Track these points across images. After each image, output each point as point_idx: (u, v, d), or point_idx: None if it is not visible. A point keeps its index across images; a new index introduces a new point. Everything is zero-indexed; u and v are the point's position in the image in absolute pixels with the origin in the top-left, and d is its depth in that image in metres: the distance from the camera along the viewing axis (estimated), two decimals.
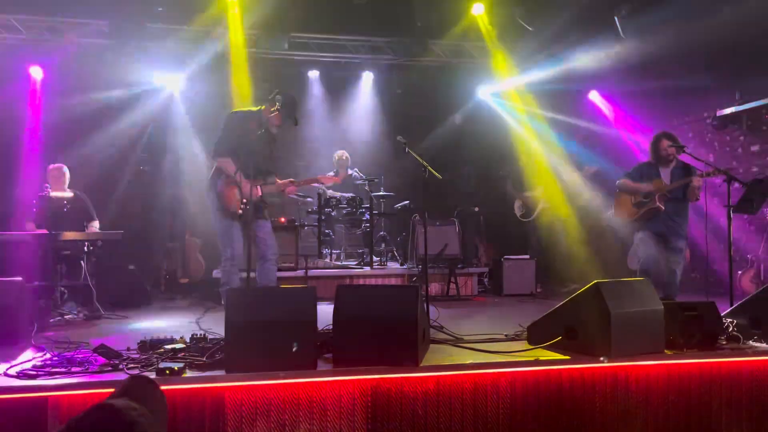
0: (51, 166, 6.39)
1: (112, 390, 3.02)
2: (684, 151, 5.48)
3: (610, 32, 8.51)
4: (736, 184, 5.02)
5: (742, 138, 7.59)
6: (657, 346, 3.73)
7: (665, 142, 5.71)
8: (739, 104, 7.47)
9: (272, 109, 5.14)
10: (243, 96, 8.34)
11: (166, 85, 8.90)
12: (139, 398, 1.77)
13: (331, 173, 8.31)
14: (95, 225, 6.31)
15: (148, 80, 8.65)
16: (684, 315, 3.86)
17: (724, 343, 3.91)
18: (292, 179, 5.42)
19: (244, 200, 5.08)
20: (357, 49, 8.99)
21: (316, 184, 7.85)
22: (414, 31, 8.69)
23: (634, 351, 3.64)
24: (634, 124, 8.87)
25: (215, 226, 5.32)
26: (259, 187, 5.11)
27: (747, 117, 7.52)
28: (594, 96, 9.55)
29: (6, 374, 3.17)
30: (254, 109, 5.39)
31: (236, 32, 8.29)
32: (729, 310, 4.31)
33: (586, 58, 9.25)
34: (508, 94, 9.42)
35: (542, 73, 9.16)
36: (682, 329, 3.80)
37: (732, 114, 7.60)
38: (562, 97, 9.36)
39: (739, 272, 6.83)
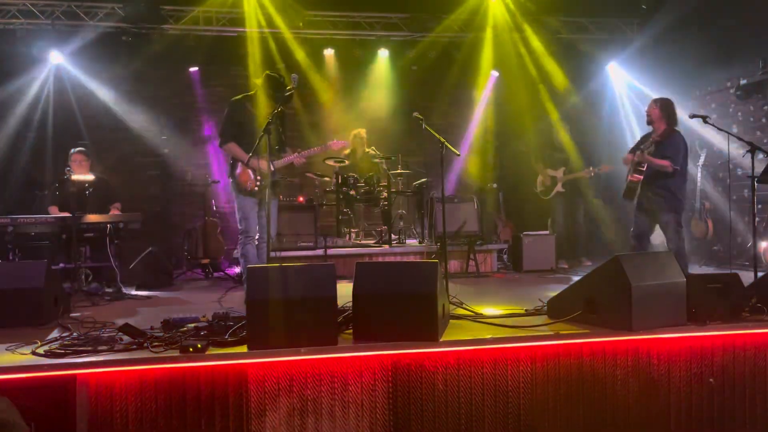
0: (73, 150, 6.45)
1: (138, 368, 3.10)
2: (707, 122, 5.36)
3: (631, 2, 8.37)
4: (761, 155, 4.92)
5: (766, 108, 7.42)
6: (679, 319, 3.69)
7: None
8: (763, 73, 7.30)
9: (258, 91, 5.33)
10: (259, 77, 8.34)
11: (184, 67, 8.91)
12: None
13: (346, 151, 8.29)
14: (118, 207, 6.39)
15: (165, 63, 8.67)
16: (707, 287, 3.82)
17: (747, 315, 3.86)
18: (298, 149, 5.49)
19: (258, 178, 5.25)
20: (372, 26, 8.92)
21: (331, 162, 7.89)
22: (428, 7, 8.58)
23: (656, 324, 3.61)
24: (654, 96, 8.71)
25: (236, 206, 5.43)
26: (271, 163, 5.16)
27: None
28: (613, 68, 9.38)
29: (35, 353, 3.24)
30: (251, 92, 5.50)
31: (251, 11, 8.28)
32: (752, 282, 4.26)
33: (605, 31, 9.12)
34: (527, 68, 9.27)
35: (561, 45, 9.04)
36: (704, 301, 3.76)
37: (755, 83, 7.42)
38: (581, 70, 9.24)
39: (764, 244, 6.72)
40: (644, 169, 5.64)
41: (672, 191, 5.57)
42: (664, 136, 5.64)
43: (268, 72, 5.45)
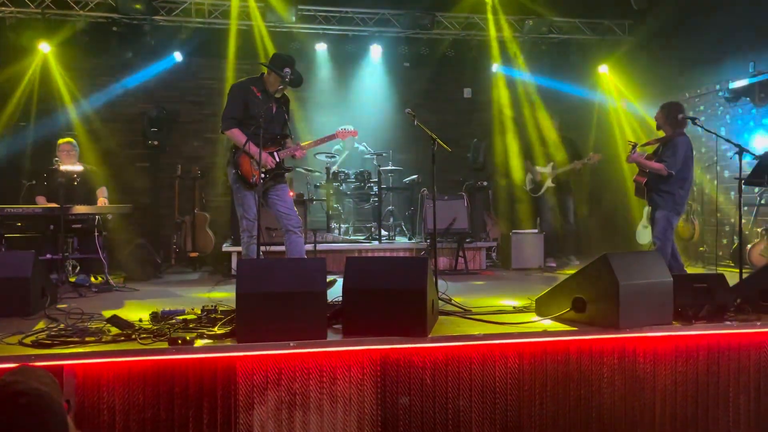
0: (61, 141, 6.40)
1: (126, 359, 3.09)
2: (696, 123, 5.42)
3: (622, 3, 8.41)
4: (748, 157, 4.97)
5: (754, 111, 7.49)
6: (665, 318, 3.73)
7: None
8: (752, 76, 7.35)
9: (266, 72, 5.08)
10: (251, 71, 8.30)
11: (175, 58, 8.84)
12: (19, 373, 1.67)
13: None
14: (104, 193, 6.33)
15: (156, 54, 8.61)
16: (693, 287, 3.86)
17: (732, 315, 3.91)
18: (299, 142, 5.30)
19: (263, 170, 4.86)
20: (364, 21, 8.90)
21: (324, 156, 7.87)
22: (422, 4, 8.58)
23: (643, 322, 3.65)
24: (644, 98, 8.76)
25: (235, 199, 5.16)
26: (276, 153, 5.01)
27: (760, 89, 7.39)
28: (604, 70, 9.42)
29: (22, 343, 3.22)
30: (256, 75, 5.24)
31: (243, 4, 8.25)
32: (738, 282, 4.31)
33: (596, 31, 9.17)
34: (518, 68, 9.31)
35: (551, 47, 9.08)
36: (690, 301, 3.80)
37: (744, 86, 7.48)
38: (573, 73, 9.28)
39: (749, 245, 6.79)
40: (647, 170, 5.68)
41: (670, 193, 5.54)
42: (667, 139, 5.64)
43: (276, 52, 5.23)
